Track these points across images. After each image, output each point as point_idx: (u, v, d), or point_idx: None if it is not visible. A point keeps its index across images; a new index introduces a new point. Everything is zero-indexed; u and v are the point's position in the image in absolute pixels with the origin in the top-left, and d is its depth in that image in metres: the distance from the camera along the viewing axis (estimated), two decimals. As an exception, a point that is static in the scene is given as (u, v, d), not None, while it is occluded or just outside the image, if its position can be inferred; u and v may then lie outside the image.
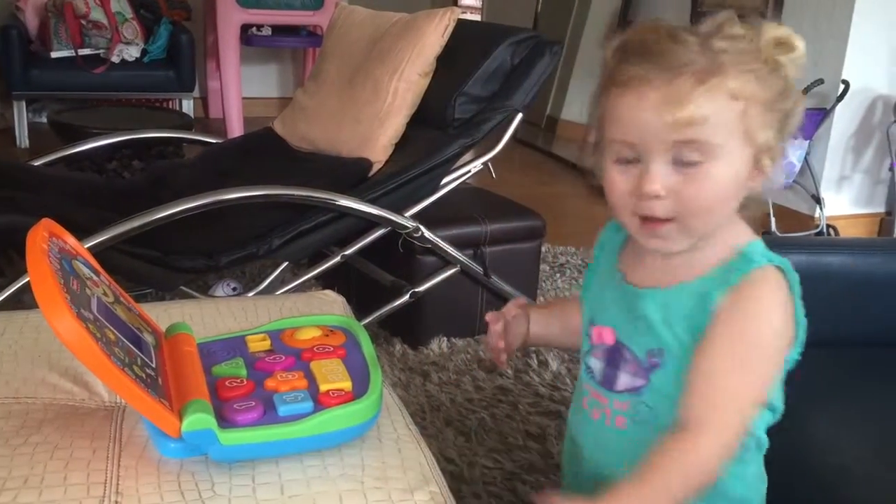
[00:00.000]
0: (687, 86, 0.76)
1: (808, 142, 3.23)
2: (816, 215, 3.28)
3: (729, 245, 0.82)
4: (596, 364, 0.89)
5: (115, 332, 0.76)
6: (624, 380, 0.87)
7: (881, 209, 3.42)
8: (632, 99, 0.77)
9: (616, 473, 0.84)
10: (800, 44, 0.80)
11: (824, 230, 3.22)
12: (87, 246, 1.56)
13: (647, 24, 0.80)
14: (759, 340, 0.79)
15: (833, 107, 3.15)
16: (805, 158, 3.25)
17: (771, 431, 1.07)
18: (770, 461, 1.03)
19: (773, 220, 3.16)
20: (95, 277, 0.83)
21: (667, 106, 0.76)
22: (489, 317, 1.01)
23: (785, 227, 3.21)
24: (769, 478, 1.01)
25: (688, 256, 0.83)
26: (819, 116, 3.19)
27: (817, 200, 3.25)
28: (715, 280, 0.80)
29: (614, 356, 0.87)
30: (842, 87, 3.10)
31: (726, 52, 0.77)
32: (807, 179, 3.28)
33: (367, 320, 2.02)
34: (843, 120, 3.24)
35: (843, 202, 3.37)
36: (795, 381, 1.20)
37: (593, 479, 0.89)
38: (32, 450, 0.79)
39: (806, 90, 3.13)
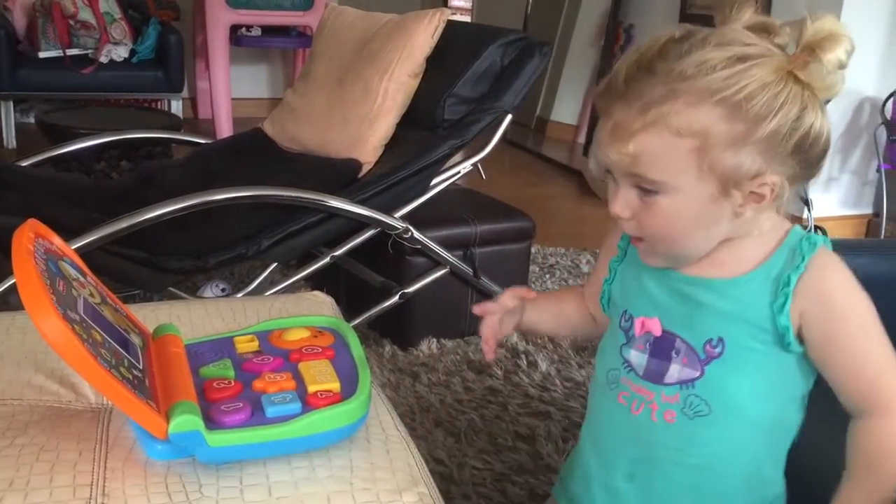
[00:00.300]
0: (631, 121, 0.75)
1: (796, 143, 3.24)
2: (804, 216, 3.30)
3: (779, 231, 0.81)
4: (637, 357, 0.87)
5: (102, 333, 0.75)
6: (676, 371, 0.84)
7: (869, 210, 3.44)
8: (601, 125, 0.79)
9: (651, 472, 0.86)
10: (837, 51, 0.74)
11: (812, 231, 3.24)
12: (74, 247, 1.55)
13: (644, 45, 0.77)
14: (869, 309, 0.80)
15: (821, 108, 3.16)
16: (793, 160, 3.26)
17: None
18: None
19: (761, 221, 3.18)
20: (82, 278, 0.82)
21: (612, 140, 0.76)
22: (480, 308, 1.00)
23: (773, 228, 3.23)
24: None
25: (730, 251, 0.82)
26: (807, 118, 3.20)
27: (805, 202, 3.26)
28: (784, 263, 0.80)
29: (663, 346, 0.85)
30: (830, 88, 3.12)
31: (686, 81, 0.73)
32: (795, 181, 3.29)
33: (356, 321, 2.02)
34: (831, 121, 3.25)
35: (831, 203, 3.39)
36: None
37: (605, 489, 0.91)
38: (18, 451, 0.78)
39: (794, 92, 3.15)
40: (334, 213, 1.89)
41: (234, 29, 4.29)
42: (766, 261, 0.81)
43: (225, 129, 4.06)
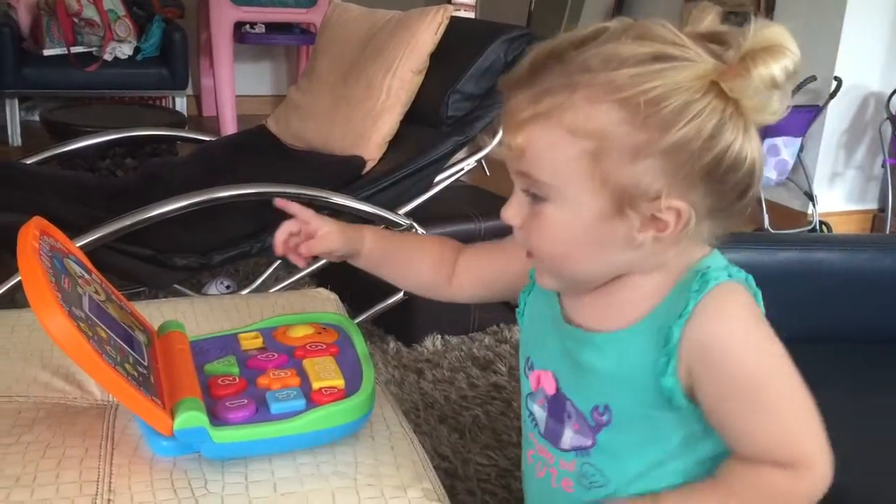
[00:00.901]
0: (522, 109, 0.66)
1: (800, 139, 3.24)
2: (809, 212, 3.29)
3: (682, 266, 0.69)
4: (539, 413, 0.78)
5: (107, 330, 0.76)
6: (569, 437, 0.75)
7: (874, 205, 3.43)
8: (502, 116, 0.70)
9: None
10: (772, 66, 0.61)
11: (817, 227, 3.23)
12: (79, 244, 1.56)
13: (571, 32, 0.67)
14: (770, 359, 0.68)
15: (826, 104, 3.15)
16: (798, 155, 3.26)
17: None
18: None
19: (765, 216, 3.17)
20: (87, 276, 0.83)
21: (504, 129, 0.68)
22: (282, 202, 0.91)
23: (777, 223, 3.22)
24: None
25: (623, 290, 0.71)
26: (811, 113, 3.19)
27: (810, 197, 3.26)
28: (670, 310, 0.68)
29: (557, 408, 0.76)
30: (834, 83, 3.11)
31: (589, 73, 0.63)
32: (799, 176, 3.29)
33: (360, 318, 2.02)
34: (836, 117, 3.24)
35: (836, 199, 3.38)
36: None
37: None
38: (24, 448, 0.78)
39: (798, 87, 3.14)
40: (338, 210, 1.89)
41: (238, 26, 4.29)
42: (656, 307, 0.69)
43: (229, 126, 4.07)
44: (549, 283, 0.74)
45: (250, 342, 0.91)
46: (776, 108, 0.64)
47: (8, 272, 1.62)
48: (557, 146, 0.64)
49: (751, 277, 0.71)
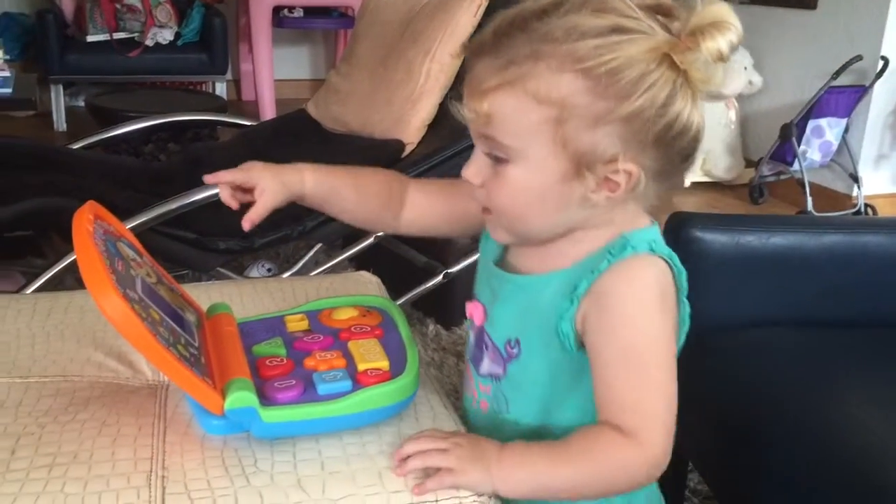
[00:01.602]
0: (489, 77, 0.69)
1: (845, 120, 3.18)
2: (854, 194, 3.24)
3: (619, 231, 0.75)
4: (470, 338, 0.86)
5: (159, 311, 0.78)
6: (486, 364, 0.83)
7: (921, 187, 3.37)
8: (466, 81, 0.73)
9: None
10: (718, 40, 0.66)
11: (862, 209, 3.18)
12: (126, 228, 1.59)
13: (531, 1, 0.71)
14: (653, 331, 0.72)
15: (872, 84, 3.09)
16: (843, 137, 3.21)
17: (800, 411, 1.07)
18: (800, 442, 1.03)
19: (809, 199, 3.13)
20: (139, 259, 0.85)
21: (469, 96, 0.71)
22: (213, 177, 0.88)
23: (821, 206, 3.18)
24: (802, 458, 1.01)
25: (563, 242, 0.76)
26: (857, 94, 3.14)
27: (855, 179, 3.21)
28: (588, 266, 0.74)
29: (480, 337, 0.84)
30: (881, 63, 3.04)
31: (552, 44, 0.67)
32: (844, 158, 3.24)
33: (400, 301, 2.03)
34: (882, 97, 3.18)
35: (882, 181, 3.32)
36: (826, 360, 1.21)
37: None
38: (81, 426, 0.81)
39: (843, 67, 3.09)
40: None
41: (277, 10, 4.31)
42: (579, 262, 0.75)
43: (268, 111, 4.10)
44: (503, 238, 0.79)
45: (296, 324, 0.92)
46: (721, 79, 0.69)
47: (57, 255, 1.66)
48: (522, 112, 0.69)
49: (675, 256, 0.75)
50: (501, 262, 0.83)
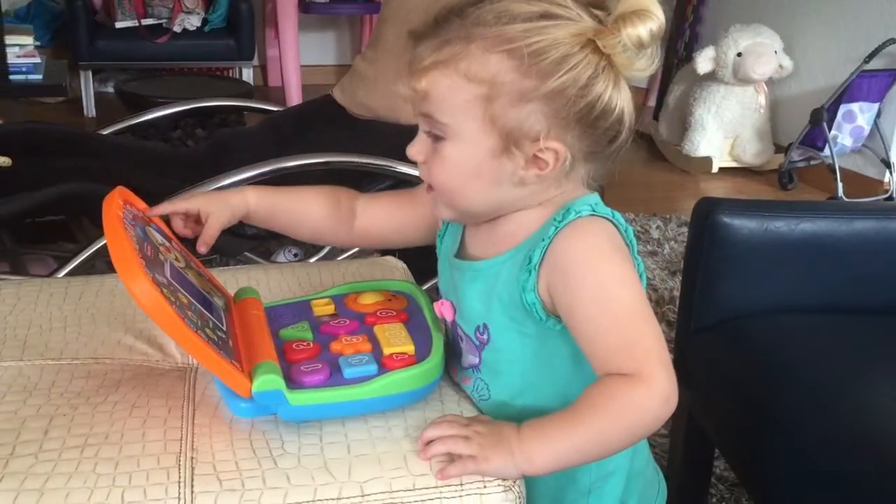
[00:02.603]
0: (425, 57, 0.75)
1: (877, 105, 3.14)
2: (886, 180, 3.19)
3: (559, 204, 0.79)
4: (449, 338, 0.89)
5: (188, 295, 0.79)
6: (465, 357, 0.86)
7: (955, 173, 3.31)
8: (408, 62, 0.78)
9: None
10: (639, 27, 0.72)
11: (894, 195, 3.13)
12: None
13: None
14: (615, 275, 0.75)
15: (905, 67, 3.04)
16: (875, 121, 3.16)
17: (830, 399, 1.07)
18: (829, 429, 1.03)
19: (839, 185, 3.09)
20: (167, 243, 0.86)
21: (409, 74, 0.76)
22: (156, 211, 0.89)
23: (852, 192, 3.14)
24: (830, 445, 1.01)
25: (509, 224, 0.80)
26: (890, 78, 3.09)
27: (887, 165, 3.16)
28: (536, 237, 0.78)
29: (456, 333, 0.87)
30: (915, 46, 2.99)
31: (483, 27, 0.72)
32: (876, 143, 3.19)
33: (425, 286, 2.03)
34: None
35: (915, 166, 3.27)
36: (855, 348, 1.20)
37: None
38: (112, 408, 0.82)
39: (876, 51, 3.04)
40: (404, 180, 1.90)
41: (303, -4, 4.32)
42: (528, 237, 0.79)
43: (294, 96, 4.11)
44: (446, 215, 0.84)
45: (322, 308, 0.93)
46: (643, 65, 0.74)
47: (88, 239, 1.68)
48: (455, 90, 0.74)
49: (618, 214, 0.79)
50: (459, 255, 0.87)
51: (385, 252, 2.07)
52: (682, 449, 1.44)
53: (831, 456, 1.01)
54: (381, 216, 0.96)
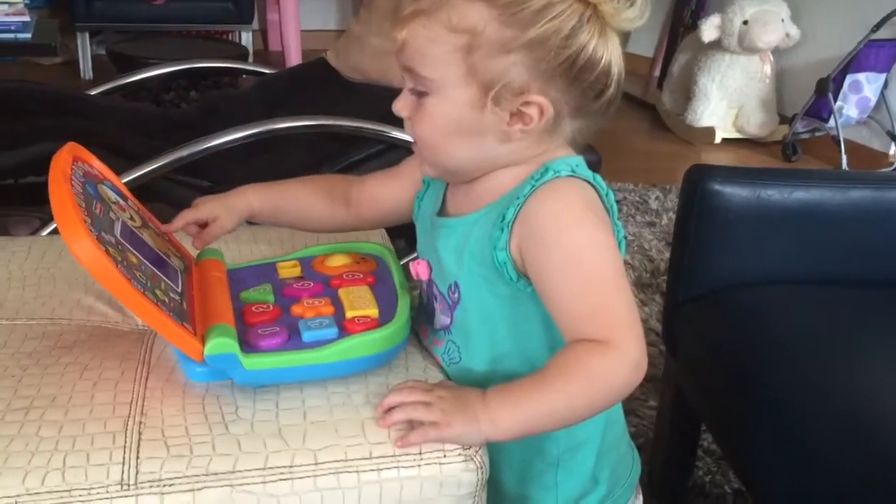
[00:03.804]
0: (406, 7, 0.73)
1: (884, 75, 3.07)
2: (891, 152, 3.14)
3: (540, 163, 0.76)
4: (422, 301, 0.87)
5: (138, 255, 0.75)
6: (437, 317, 0.84)
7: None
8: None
9: None
10: None
11: (900, 169, 3.08)
12: (137, 174, 1.58)
13: None
14: (589, 238, 0.73)
15: (914, 37, 2.98)
16: (881, 92, 3.10)
17: (821, 372, 1.03)
18: (819, 404, 0.99)
19: (843, 156, 3.04)
20: (122, 202, 0.82)
21: (393, 26, 0.75)
22: (171, 227, 0.90)
23: (857, 163, 3.09)
24: (821, 421, 0.97)
25: (489, 180, 0.78)
26: (897, 48, 3.02)
27: (893, 137, 3.10)
28: (512, 195, 0.75)
29: (430, 292, 0.85)
30: (924, 15, 2.92)
31: None
32: (882, 115, 3.14)
33: (411, 258, 2.01)
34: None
35: (922, 138, 3.21)
36: (849, 321, 1.16)
37: None
38: (63, 370, 0.79)
39: (884, 20, 2.97)
40: (396, 145, 1.87)
41: (305, -41, 4.25)
42: (507, 192, 0.76)
43: (294, 61, 4.06)
44: (429, 172, 0.82)
45: (288, 271, 0.90)
46: (632, 15, 0.72)
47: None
48: (435, 41, 0.72)
49: (599, 177, 0.77)
50: (441, 214, 0.85)
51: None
52: (669, 421, 1.41)
53: (820, 436, 0.97)
54: (370, 199, 0.95)
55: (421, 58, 0.73)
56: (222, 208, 0.92)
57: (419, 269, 0.85)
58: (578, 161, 0.77)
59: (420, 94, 0.75)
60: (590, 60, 0.72)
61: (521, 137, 0.75)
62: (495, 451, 0.77)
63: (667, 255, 2.35)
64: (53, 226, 1.61)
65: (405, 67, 0.75)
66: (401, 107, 0.78)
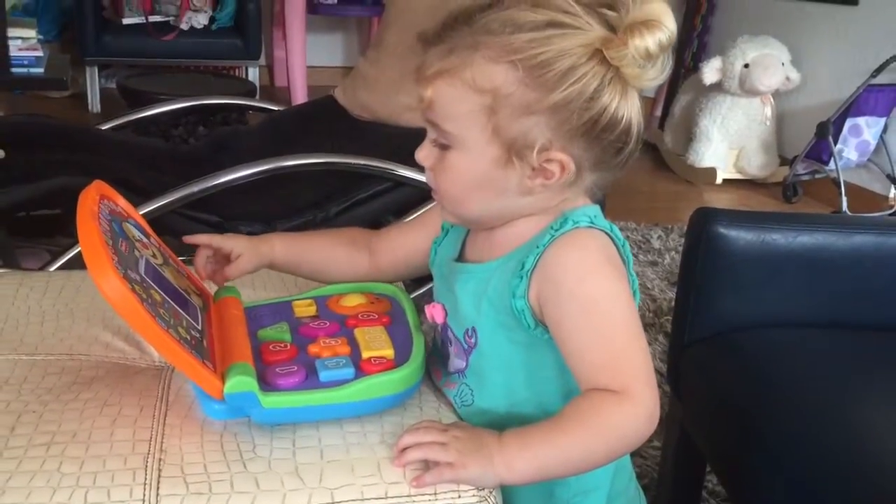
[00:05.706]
0: (431, 65, 0.74)
1: (883, 119, 3.11)
2: (891, 196, 3.17)
3: (560, 212, 0.78)
4: (436, 344, 0.88)
5: (162, 293, 0.77)
6: (452, 360, 0.85)
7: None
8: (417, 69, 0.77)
9: None
10: (647, 39, 0.69)
11: (899, 212, 3.11)
12: (147, 210, 1.59)
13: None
14: (606, 290, 0.74)
15: (913, 82, 3.02)
16: (881, 136, 3.14)
17: (823, 416, 1.04)
18: (821, 447, 1.00)
19: (843, 199, 3.07)
20: (145, 240, 0.84)
21: (417, 81, 0.76)
22: (191, 237, 0.93)
23: (857, 206, 3.11)
24: (822, 463, 0.98)
25: (509, 229, 0.80)
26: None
27: (893, 180, 3.13)
28: (532, 244, 0.77)
29: (445, 336, 0.86)
30: (922, 61, 2.97)
31: (489, 36, 0.71)
32: (882, 158, 3.17)
33: (420, 291, 2.02)
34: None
35: (920, 181, 3.24)
36: (851, 365, 1.17)
37: None
38: (83, 405, 0.80)
39: (884, 65, 3.01)
40: (403, 182, 1.89)
41: (311, -3, 4.31)
42: (527, 241, 0.78)
43: (300, 97, 4.10)
44: (451, 219, 0.84)
45: (304, 310, 0.91)
46: (654, 75, 0.72)
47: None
48: (459, 99, 0.73)
49: (616, 228, 0.79)
50: (460, 259, 0.86)
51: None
52: (674, 462, 1.42)
53: (824, 481, 0.98)
54: (391, 252, 0.97)
55: (445, 114, 0.74)
56: (247, 248, 0.93)
57: (434, 313, 0.86)
58: (596, 211, 0.79)
59: (443, 147, 0.76)
60: (611, 120, 0.72)
61: (541, 191, 0.76)
62: (507, 493, 0.78)
63: (669, 294, 2.37)
64: (63, 259, 1.63)
65: (429, 121, 0.77)
66: (423, 157, 0.79)
